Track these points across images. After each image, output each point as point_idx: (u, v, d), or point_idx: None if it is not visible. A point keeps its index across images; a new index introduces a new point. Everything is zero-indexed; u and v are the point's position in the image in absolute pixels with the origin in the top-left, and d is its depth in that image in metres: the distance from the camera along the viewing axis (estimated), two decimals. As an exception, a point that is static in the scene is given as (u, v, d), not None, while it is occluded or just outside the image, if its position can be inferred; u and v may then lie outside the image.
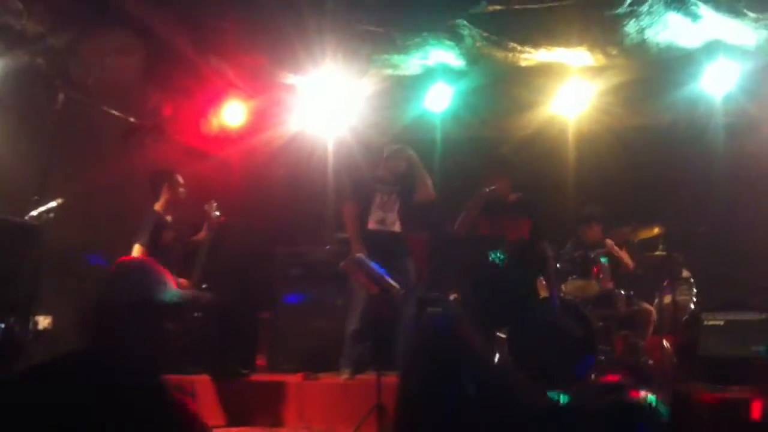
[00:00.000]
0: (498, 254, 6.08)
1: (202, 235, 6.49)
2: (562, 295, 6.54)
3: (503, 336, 5.92)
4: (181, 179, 6.46)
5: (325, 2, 5.98)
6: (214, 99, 7.47)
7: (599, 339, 6.02)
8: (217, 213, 6.45)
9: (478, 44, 6.33)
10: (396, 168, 6.65)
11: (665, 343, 6.25)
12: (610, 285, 6.73)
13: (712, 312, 6.17)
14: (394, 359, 6.39)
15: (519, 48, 6.40)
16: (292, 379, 6.43)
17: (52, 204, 5.52)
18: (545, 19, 5.97)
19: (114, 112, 6.83)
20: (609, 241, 6.87)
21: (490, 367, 3.39)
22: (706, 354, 5.95)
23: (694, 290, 6.97)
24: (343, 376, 6.40)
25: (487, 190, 6.09)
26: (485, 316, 5.78)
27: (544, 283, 6.74)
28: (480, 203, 6.11)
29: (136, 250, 6.05)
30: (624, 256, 6.92)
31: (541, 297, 6.38)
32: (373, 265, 5.63)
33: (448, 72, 6.92)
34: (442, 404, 3.13)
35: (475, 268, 6.21)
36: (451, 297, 6.62)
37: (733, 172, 7.46)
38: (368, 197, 6.64)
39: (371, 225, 6.61)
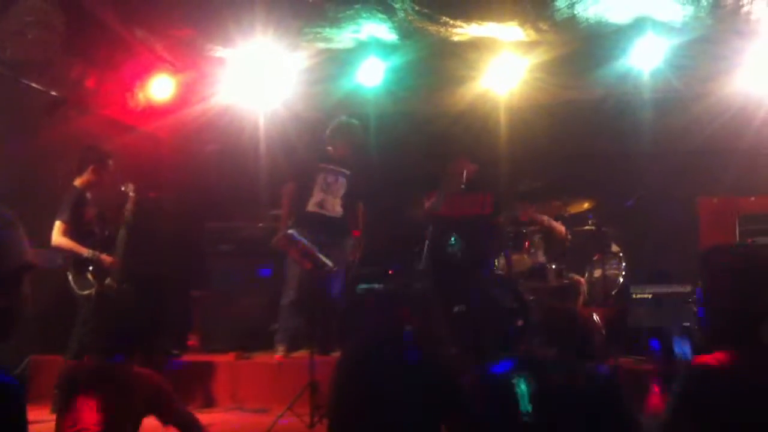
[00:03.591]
0: (453, 242, 6.07)
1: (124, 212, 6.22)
2: (494, 269, 6.61)
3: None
4: (111, 163, 6.20)
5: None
6: (141, 72, 7.24)
7: (531, 311, 6.10)
8: (132, 194, 6.24)
9: (410, 18, 6.27)
10: (344, 147, 6.57)
11: (595, 316, 6.37)
12: (542, 259, 6.81)
13: (640, 285, 6.34)
14: (328, 336, 6.38)
15: (451, 22, 6.35)
16: (224, 359, 6.36)
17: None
18: (477, -8, 5.94)
19: (34, 84, 6.59)
20: (545, 217, 6.92)
21: (424, 342, 3.37)
22: (635, 326, 6.11)
23: (623, 264, 7.10)
24: (279, 353, 6.34)
25: (464, 174, 6.05)
26: (445, 295, 5.83)
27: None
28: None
29: (58, 227, 5.83)
30: (556, 225, 7.00)
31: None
32: (305, 241, 5.59)
33: (380, 46, 6.85)
34: (377, 380, 3.12)
35: (435, 249, 6.20)
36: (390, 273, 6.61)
37: (661, 146, 7.60)
38: (309, 176, 6.54)
39: (310, 207, 6.51)
